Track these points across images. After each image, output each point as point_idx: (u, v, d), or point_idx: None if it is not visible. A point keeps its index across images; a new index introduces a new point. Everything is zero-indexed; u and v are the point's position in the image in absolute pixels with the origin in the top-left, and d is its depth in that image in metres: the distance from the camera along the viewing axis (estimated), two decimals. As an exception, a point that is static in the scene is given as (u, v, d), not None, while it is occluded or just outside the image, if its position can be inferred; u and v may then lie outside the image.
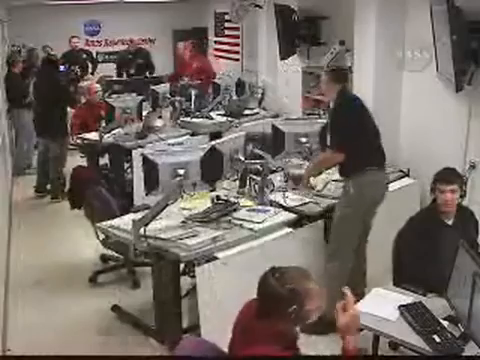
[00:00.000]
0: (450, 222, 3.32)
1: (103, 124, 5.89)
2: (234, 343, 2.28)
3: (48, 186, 6.68)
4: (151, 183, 3.42)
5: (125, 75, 9.03)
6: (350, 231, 3.72)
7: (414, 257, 3.23)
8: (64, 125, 6.52)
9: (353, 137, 3.68)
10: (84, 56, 9.42)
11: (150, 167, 3.41)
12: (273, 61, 7.38)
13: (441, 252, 3.15)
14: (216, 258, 3.33)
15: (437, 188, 3.31)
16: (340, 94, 3.82)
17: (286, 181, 4.36)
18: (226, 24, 10.29)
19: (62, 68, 8.30)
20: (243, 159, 3.96)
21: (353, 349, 2.09)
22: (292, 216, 3.82)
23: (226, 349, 2.31)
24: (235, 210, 3.76)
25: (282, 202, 3.96)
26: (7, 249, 5.03)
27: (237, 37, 9.75)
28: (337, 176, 4.38)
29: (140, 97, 6.24)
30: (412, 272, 3.18)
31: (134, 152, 5.23)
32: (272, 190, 4.11)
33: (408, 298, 2.90)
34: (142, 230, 3.37)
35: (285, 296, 2.13)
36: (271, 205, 3.92)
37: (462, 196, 3.58)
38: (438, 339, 2.56)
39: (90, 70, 9.28)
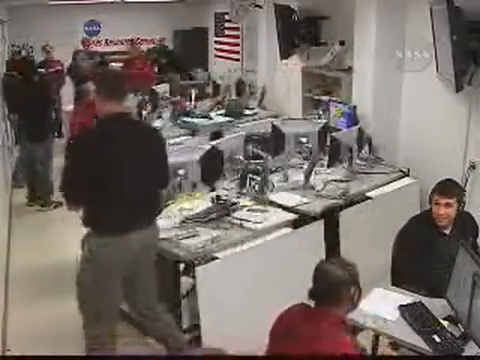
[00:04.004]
0: (448, 231, 3.28)
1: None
2: (283, 344, 2.32)
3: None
4: (151, 183, 3.41)
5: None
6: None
7: (412, 259, 3.22)
8: (50, 127, 6.41)
9: None
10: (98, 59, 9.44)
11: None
12: (273, 61, 7.39)
13: (436, 260, 3.15)
14: (216, 258, 3.33)
15: (433, 199, 3.26)
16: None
17: (285, 181, 4.37)
18: (226, 24, 10.30)
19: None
20: (243, 159, 3.97)
21: None
22: (292, 216, 3.82)
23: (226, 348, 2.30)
24: (235, 210, 3.77)
25: (282, 202, 3.96)
26: (7, 250, 5.03)
27: (237, 37, 9.75)
28: (337, 176, 4.40)
29: (140, 97, 6.24)
30: (410, 274, 3.18)
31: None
32: (272, 190, 4.11)
33: (408, 298, 2.90)
34: (142, 230, 3.37)
35: (347, 279, 2.27)
36: (271, 205, 3.92)
37: (462, 206, 3.53)
38: (438, 339, 2.56)
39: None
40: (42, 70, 8.08)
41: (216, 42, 11.06)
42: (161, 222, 3.53)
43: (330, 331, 2.24)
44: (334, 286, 2.27)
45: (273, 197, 4.02)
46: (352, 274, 2.29)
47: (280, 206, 3.92)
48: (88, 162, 2.80)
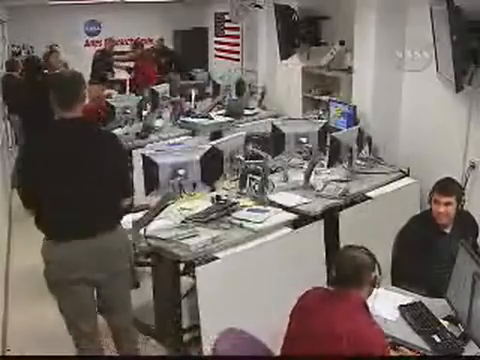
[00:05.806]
0: (448, 230, 3.29)
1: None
2: (302, 325, 2.36)
3: None
4: (151, 183, 3.41)
5: None
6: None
7: (412, 259, 3.22)
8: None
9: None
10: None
11: (150, 167, 3.41)
12: (273, 61, 7.39)
13: (437, 260, 3.15)
14: (216, 258, 3.33)
15: (433, 197, 3.27)
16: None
17: (285, 181, 4.37)
18: (226, 24, 10.32)
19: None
20: (243, 159, 3.97)
21: None
22: (292, 216, 3.82)
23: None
24: (235, 210, 3.76)
25: (282, 202, 3.96)
26: (7, 250, 5.03)
27: (237, 37, 9.77)
28: (337, 176, 4.40)
29: (140, 97, 6.24)
30: (410, 274, 3.17)
31: (134, 152, 5.23)
32: (272, 190, 4.11)
33: (408, 298, 2.90)
34: (142, 230, 3.37)
35: (370, 262, 2.38)
36: (271, 205, 3.92)
37: (462, 205, 3.54)
38: (438, 339, 2.56)
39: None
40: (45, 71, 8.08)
41: (216, 42, 11.08)
42: (161, 222, 3.55)
43: (353, 310, 2.27)
44: (358, 269, 2.34)
45: (273, 197, 4.02)
46: (373, 258, 2.40)
47: (280, 206, 3.91)
48: (32, 166, 2.79)
